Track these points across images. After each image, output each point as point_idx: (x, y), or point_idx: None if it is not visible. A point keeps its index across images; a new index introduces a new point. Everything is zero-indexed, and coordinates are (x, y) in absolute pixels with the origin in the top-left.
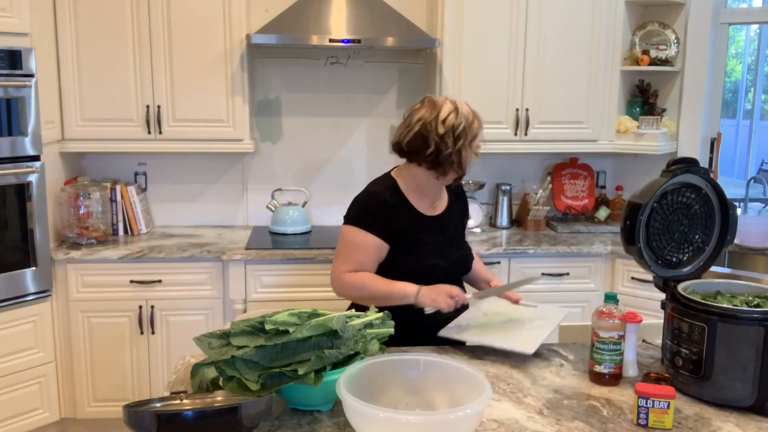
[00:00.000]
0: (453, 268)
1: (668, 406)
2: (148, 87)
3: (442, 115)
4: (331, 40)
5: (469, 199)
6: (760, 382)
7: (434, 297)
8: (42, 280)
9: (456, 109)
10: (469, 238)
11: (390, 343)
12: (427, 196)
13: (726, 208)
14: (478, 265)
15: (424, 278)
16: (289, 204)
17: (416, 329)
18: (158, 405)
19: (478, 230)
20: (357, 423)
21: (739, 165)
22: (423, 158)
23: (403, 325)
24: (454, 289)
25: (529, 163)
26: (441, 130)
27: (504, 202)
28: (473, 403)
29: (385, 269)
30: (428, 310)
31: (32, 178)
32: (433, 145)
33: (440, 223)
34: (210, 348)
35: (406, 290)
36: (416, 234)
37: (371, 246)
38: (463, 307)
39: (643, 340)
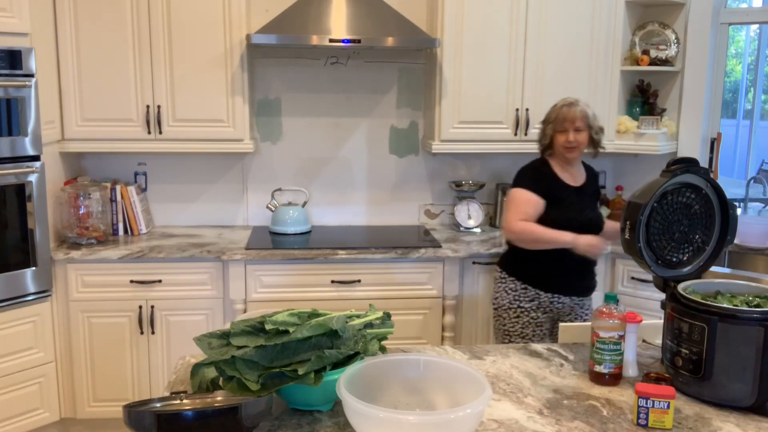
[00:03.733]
0: (586, 224)
1: (668, 406)
2: (148, 87)
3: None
4: (331, 40)
5: (469, 200)
6: (760, 382)
7: (588, 241)
8: (42, 280)
9: (555, 106)
10: (468, 238)
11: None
12: (568, 171)
13: (726, 208)
14: (610, 226)
15: (565, 227)
16: (289, 204)
17: (573, 273)
18: (158, 405)
19: (478, 230)
20: (357, 423)
21: (739, 165)
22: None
23: (561, 270)
24: (597, 239)
25: None
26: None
27: (504, 202)
28: (473, 403)
29: (540, 220)
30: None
31: (32, 178)
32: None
33: (578, 191)
34: (210, 348)
35: (565, 236)
36: (560, 195)
37: (533, 201)
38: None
39: (643, 340)
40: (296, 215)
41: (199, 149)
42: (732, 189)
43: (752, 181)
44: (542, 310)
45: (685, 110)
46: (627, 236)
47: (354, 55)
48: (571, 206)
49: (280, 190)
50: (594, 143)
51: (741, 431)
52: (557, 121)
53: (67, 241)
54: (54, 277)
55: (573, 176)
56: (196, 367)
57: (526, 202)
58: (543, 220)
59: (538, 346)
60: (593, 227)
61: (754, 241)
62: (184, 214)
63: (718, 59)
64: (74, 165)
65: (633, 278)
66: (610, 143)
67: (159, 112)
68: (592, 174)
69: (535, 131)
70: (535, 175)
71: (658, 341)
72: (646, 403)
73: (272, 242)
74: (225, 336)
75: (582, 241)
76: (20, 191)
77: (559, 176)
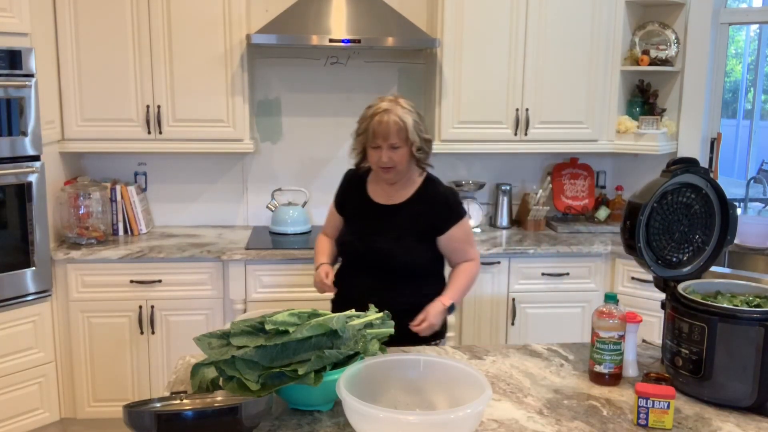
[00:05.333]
0: (369, 255)
1: (668, 406)
2: (148, 87)
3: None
4: (331, 40)
5: (469, 200)
6: (760, 382)
7: (315, 278)
8: (42, 280)
9: (369, 108)
10: None
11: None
12: (383, 187)
13: (726, 208)
14: (453, 277)
15: (342, 251)
16: (289, 204)
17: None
18: (158, 405)
19: (478, 230)
20: (357, 423)
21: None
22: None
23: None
24: (321, 278)
25: (529, 163)
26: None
27: (504, 202)
28: (473, 403)
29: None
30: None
31: (32, 178)
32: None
33: (384, 211)
34: (210, 348)
35: (317, 262)
36: (352, 212)
37: (330, 212)
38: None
39: (643, 340)
40: (296, 215)
41: (199, 149)
42: (732, 189)
43: (752, 181)
44: None
45: (685, 110)
46: (627, 236)
47: (354, 55)
48: (358, 228)
49: (280, 190)
50: (417, 161)
51: (741, 431)
52: (368, 133)
53: (67, 241)
54: (54, 277)
55: (388, 192)
56: (196, 367)
57: (328, 212)
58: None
59: (538, 346)
60: (376, 258)
61: (754, 241)
62: (184, 214)
63: (718, 59)
64: (74, 165)
65: (633, 278)
66: (610, 143)
67: (159, 112)
68: (429, 196)
69: (535, 131)
70: (343, 182)
71: (658, 341)
72: (646, 403)
73: (272, 242)
74: (225, 336)
75: (316, 273)
76: (20, 191)
77: (368, 189)
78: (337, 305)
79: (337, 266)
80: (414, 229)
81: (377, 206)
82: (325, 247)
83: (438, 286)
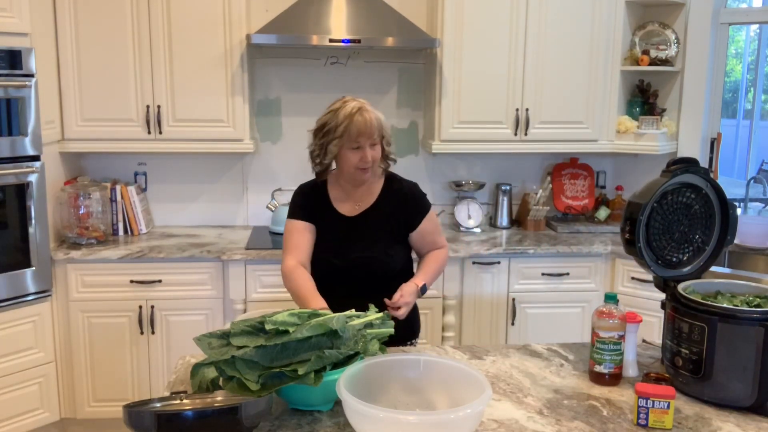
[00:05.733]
0: (352, 268)
1: (668, 406)
2: (148, 87)
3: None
4: (331, 40)
5: (469, 200)
6: (760, 382)
7: None
8: (42, 280)
9: (336, 111)
10: (468, 238)
11: None
12: (351, 196)
13: (726, 208)
14: (424, 261)
15: (321, 272)
16: None
17: None
18: (158, 405)
19: (478, 230)
20: (357, 423)
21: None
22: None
23: None
24: None
25: (529, 163)
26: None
27: (504, 202)
28: (473, 403)
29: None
30: None
31: (32, 178)
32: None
33: (350, 223)
34: (210, 348)
35: (311, 303)
36: (324, 228)
37: (299, 228)
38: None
39: (643, 340)
40: None
41: (199, 149)
42: (732, 189)
43: (752, 181)
44: None
45: (685, 110)
46: (627, 236)
47: (354, 55)
48: (331, 243)
49: (280, 190)
50: (385, 155)
51: (741, 431)
52: (348, 134)
53: (67, 241)
54: (54, 277)
55: (354, 201)
56: (196, 367)
57: (292, 233)
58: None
59: (538, 346)
60: (361, 269)
61: (754, 241)
62: (184, 214)
63: (718, 59)
64: (74, 165)
65: (633, 278)
66: (610, 143)
67: (159, 112)
68: (401, 197)
69: (535, 131)
70: (303, 199)
71: (658, 341)
72: (646, 403)
73: (272, 242)
74: (225, 336)
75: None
76: (20, 191)
77: (332, 202)
78: None
79: None
80: (386, 232)
81: (345, 219)
82: (308, 282)
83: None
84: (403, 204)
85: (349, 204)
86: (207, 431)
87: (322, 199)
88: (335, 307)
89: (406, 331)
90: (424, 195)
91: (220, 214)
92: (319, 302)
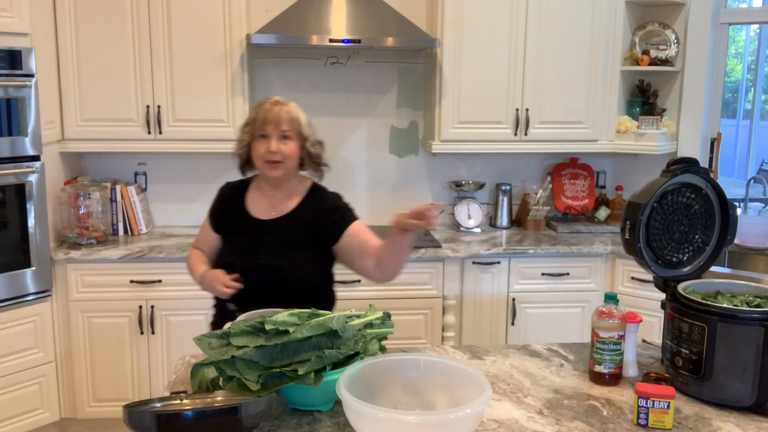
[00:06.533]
0: (252, 274)
1: (668, 406)
2: (148, 87)
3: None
4: (331, 40)
5: (469, 200)
6: (760, 382)
7: (210, 282)
8: (42, 280)
9: (259, 106)
10: (468, 238)
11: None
12: (267, 197)
13: (726, 208)
14: (383, 245)
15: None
16: None
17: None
18: (158, 405)
19: (478, 230)
20: (357, 423)
21: (739, 165)
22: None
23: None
24: (222, 278)
25: (529, 163)
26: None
27: (504, 202)
28: (473, 403)
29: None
30: (230, 306)
31: (32, 178)
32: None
33: (263, 226)
34: (210, 348)
35: (200, 271)
36: (230, 229)
37: (205, 227)
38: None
39: (643, 340)
40: None
41: (199, 149)
42: (732, 189)
43: (752, 181)
44: None
45: (685, 110)
46: (627, 236)
47: (354, 55)
48: (238, 246)
49: None
50: (311, 158)
51: (741, 431)
52: (255, 121)
53: (67, 241)
54: (54, 277)
55: (271, 204)
56: (196, 367)
57: (202, 229)
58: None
59: (538, 346)
60: (264, 277)
61: (754, 241)
62: (184, 214)
63: (718, 59)
64: (74, 165)
65: (633, 278)
66: (610, 143)
67: (159, 112)
68: (317, 204)
69: (535, 131)
70: (219, 197)
71: (658, 341)
72: (646, 403)
73: None
74: (225, 336)
75: (208, 277)
76: (20, 191)
77: (246, 203)
78: (218, 327)
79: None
80: (302, 242)
81: (258, 222)
82: (200, 257)
83: (326, 303)
84: (324, 215)
85: (265, 207)
86: (207, 431)
87: (239, 199)
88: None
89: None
90: (351, 208)
91: None
92: (200, 267)
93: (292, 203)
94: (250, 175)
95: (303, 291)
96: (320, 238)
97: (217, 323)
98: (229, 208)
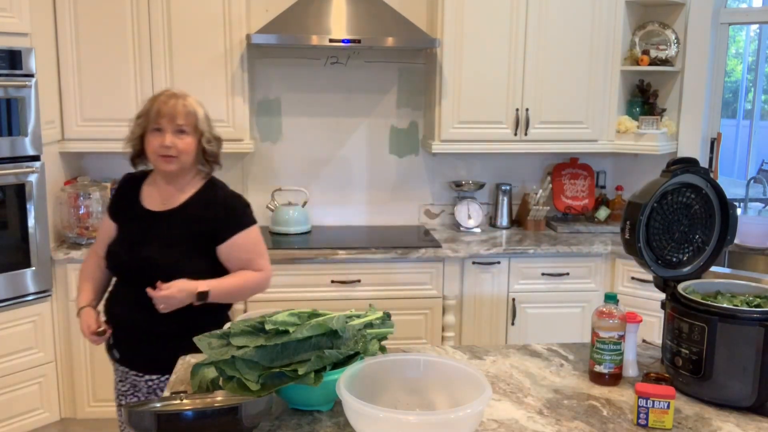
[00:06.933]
0: (134, 266)
1: (668, 406)
2: (148, 87)
3: None
4: (331, 40)
5: (469, 200)
6: (760, 382)
7: (81, 324)
8: (42, 280)
9: (154, 98)
10: (468, 238)
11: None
12: (161, 190)
13: (726, 208)
14: (229, 275)
15: (111, 266)
16: (289, 204)
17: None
18: (158, 405)
19: (478, 230)
20: (357, 423)
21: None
22: None
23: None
24: (91, 325)
25: (529, 163)
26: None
27: (504, 202)
28: (473, 403)
29: None
30: (114, 354)
31: (32, 178)
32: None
33: (155, 218)
34: (210, 348)
35: (79, 302)
36: (123, 220)
37: (105, 225)
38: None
39: (643, 340)
40: (296, 215)
41: None
42: (732, 189)
43: (752, 181)
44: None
45: (685, 110)
46: (627, 236)
47: (354, 55)
48: (125, 237)
49: (280, 190)
50: (206, 155)
51: (741, 431)
52: (149, 114)
53: (67, 241)
54: (54, 277)
55: (163, 197)
56: (196, 367)
57: (101, 224)
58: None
59: (538, 346)
60: (142, 271)
61: (754, 241)
62: None
63: (718, 59)
64: (74, 165)
65: (633, 278)
66: (610, 143)
67: None
68: (209, 200)
69: (535, 131)
70: (117, 188)
71: (658, 341)
72: (646, 403)
73: (272, 242)
74: (225, 336)
75: (81, 318)
76: (20, 191)
77: (141, 194)
78: (111, 351)
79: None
80: (186, 237)
81: (148, 213)
82: (88, 276)
83: (214, 308)
84: (214, 212)
85: (157, 200)
86: (207, 431)
87: (134, 191)
88: (124, 314)
89: (179, 332)
90: (247, 210)
91: None
92: (81, 299)
93: (183, 197)
94: (142, 168)
95: None
96: (206, 236)
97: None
98: (125, 197)
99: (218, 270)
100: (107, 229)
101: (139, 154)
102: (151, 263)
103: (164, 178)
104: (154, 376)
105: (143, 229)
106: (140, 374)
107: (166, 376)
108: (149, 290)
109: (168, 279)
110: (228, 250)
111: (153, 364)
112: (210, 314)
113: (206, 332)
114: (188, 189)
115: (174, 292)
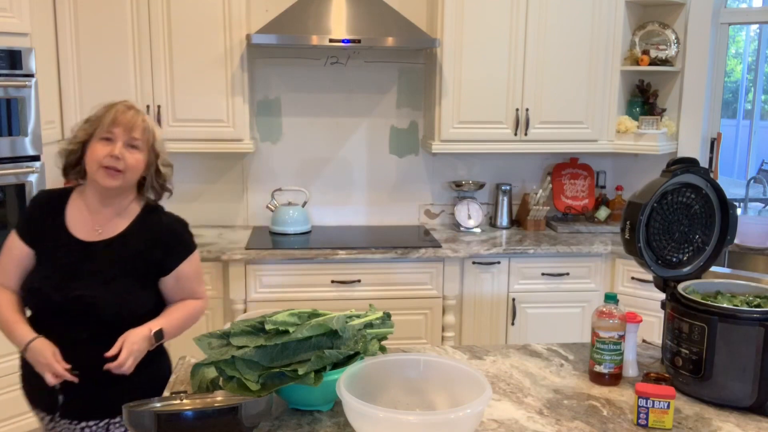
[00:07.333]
0: (74, 308)
1: (668, 406)
2: (148, 87)
3: None
4: (331, 40)
5: (469, 200)
6: (760, 382)
7: (36, 359)
8: None
9: (111, 105)
10: (468, 238)
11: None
12: (93, 213)
13: (726, 208)
14: (172, 308)
15: (37, 306)
16: (289, 204)
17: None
18: (158, 405)
19: (478, 230)
20: (357, 423)
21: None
22: None
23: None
24: (55, 366)
25: (529, 163)
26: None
27: (504, 202)
28: (473, 403)
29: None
30: (60, 398)
31: (32, 178)
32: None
33: (88, 251)
34: (210, 348)
35: (22, 335)
36: (46, 249)
37: (16, 250)
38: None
39: (643, 340)
40: (296, 215)
41: (199, 149)
42: (732, 189)
43: (752, 181)
44: None
45: (685, 110)
46: (627, 236)
47: (354, 55)
48: (52, 271)
49: (280, 190)
50: (159, 179)
51: (741, 431)
52: (101, 119)
53: None
54: None
55: (96, 222)
56: (196, 367)
57: (7, 250)
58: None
59: (538, 346)
60: (78, 310)
61: (754, 241)
62: (183, 214)
63: (718, 59)
64: None
65: (633, 278)
66: (610, 143)
67: (159, 112)
68: (152, 227)
69: (535, 131)
70: (32, 208)
71: (658, 341)
72: (646, 403)
73: (272, 242)
74: (225, 336)
75: (35, 351)
76: (20, 191)
77: (65, 216)
78: (28, 369)
79: None
80: (130, 271)
81: (78, 243)
82: (10, 302)
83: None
84: (160, 241)
85: (89, 225)
86: (207, 431)
87: (57, 213)
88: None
89: (148, 387)
90: (191, 234)
91: (220, 214)
92: (21, 330)
93: (122, 224)
94: (73, 183)
95: (127, 326)
96: (150, 268)
97: (27, 378)
98: (43, 220)
99: (160, 304)
100: (18, 257)
101: (75, 164)
102: (92, 304)
103: (99, 199)
104: (92, 422)
105: (74, 262)
106: (75, 422)
107: (106, 420)
108: (109, 366)
109: (111, 319)
110: (174, 281)
111: (94, 408)
112: (154, 350)
113: (149, 365)
114: (127, 214)
115: (133, 350)
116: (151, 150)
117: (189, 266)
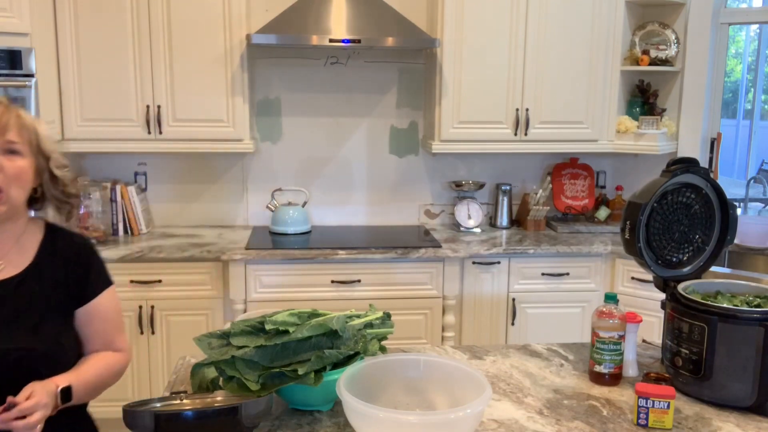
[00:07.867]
0: None
1: (668, 406)
2: (148, 87)
3: None
4: (331, 40)
5: (469, 200)
6: (760, 382)
7: None
8: None
9: None
10: (468, 238)
11: None
12: None
13: (726, 208)
14: (85, 360)
15: None
16: (289, 204)
17: None
18: (158, 405)
19: (478, 230)
20: (357, 423)
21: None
22: None
23: None
24: None
25: (529, 163)
26: None
27: (504, 202)
28: (473, 403)
29: None
30: None
31: None
32: None
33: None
34: (210, 348)
35: None
36: None
37: None
38: None
39: (643, 340)
40: (296, 215)
41: (199, 149)
42: (732, 189)
43: (752, 181)
44: None
45: (685, 110)
46: (627, 236)
47: (354, 55)
48: None
49: (280, 190)
50: (57, 186)
51: (741, 431)
52: None
53: None
54: None
55: None
56: (196, 367)
57: None
58: None
59: (538, 346)
60: (12, 366)
61: (754, 241)
62: (184, 214)
63: (718, 59)
64: (74, 165)
65: (633, 278)
66: (610, 143)
67: (159, 111)
68: (62, 253)
69: (535, 131)
70: None
71: (658, 341)
72: (646, 403)
73: (272, 242)
74: (225, 336)
75: None
76: None
77: None
78: None
79: None
80: (55, 306)
81: None
82: None
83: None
84: (78, 264)
85: None
86: (207, 431)
87: None
88: None
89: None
90: (104, 265)
91: (220, 214)
92: None
93: (27, 252)
94: None
95: (57, 371)
96: (70, 298)
97: None
98: None
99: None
100: None
101: None
102: (19, 357)
103: None
104: None
105: None
106: None
107: None
108: (13, 424)
109: (44, 367)
110: (88, 317)
111: None
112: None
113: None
114: (29, 242)
115: (43, 399)
116: (37, 152)
117: (107, 302)
